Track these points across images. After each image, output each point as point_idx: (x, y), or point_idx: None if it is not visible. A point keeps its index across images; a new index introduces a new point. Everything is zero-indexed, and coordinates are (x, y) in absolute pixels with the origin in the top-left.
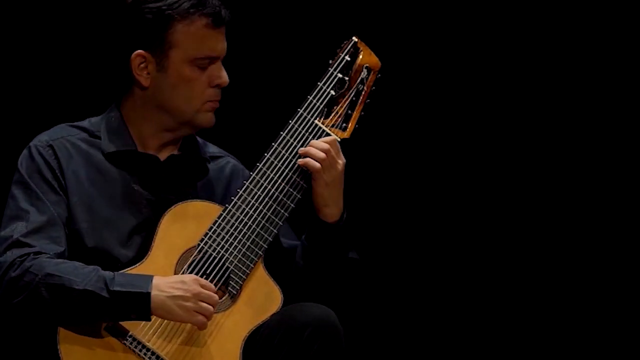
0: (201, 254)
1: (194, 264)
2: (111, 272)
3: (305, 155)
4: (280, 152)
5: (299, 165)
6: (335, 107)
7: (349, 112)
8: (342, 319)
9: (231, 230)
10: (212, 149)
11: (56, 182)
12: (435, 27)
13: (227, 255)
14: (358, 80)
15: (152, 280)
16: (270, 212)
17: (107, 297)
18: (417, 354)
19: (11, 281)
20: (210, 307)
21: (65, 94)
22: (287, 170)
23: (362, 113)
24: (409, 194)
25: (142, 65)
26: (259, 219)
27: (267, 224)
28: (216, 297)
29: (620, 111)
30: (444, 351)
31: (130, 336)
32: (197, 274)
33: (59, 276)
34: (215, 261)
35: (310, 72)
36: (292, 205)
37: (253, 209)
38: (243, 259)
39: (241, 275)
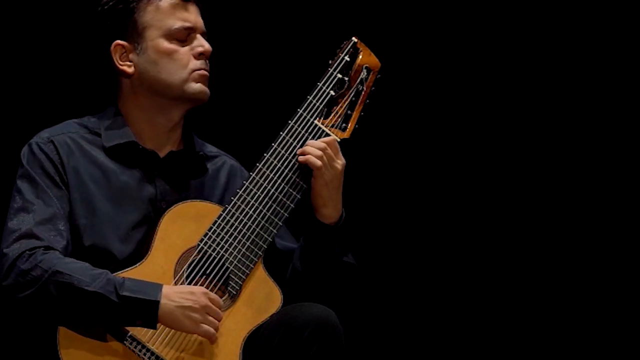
0: (201, 254)
1: (193, 264)
2: (121, 277)
3: (303, 155)
4: (279, 152)
5: (298, 165)
6: (334, 108)
7: (349, 112)
8: (342, 319)
9: (231, 231)
10: (210, 148)
11: (58, 176)
12: (435, 27)
13: (226, 255)
14: (358, 81)
15: (161, 289)
16: (270, 212)
17: (116, 302)
18: (417, 354)
19: (20, 274)
20: (217, 321)
21: (61, 96)
22: (286, 171)
23: (362, 113)
24: (409, 194)
25: (123, 55)
26: (258, 219)
27: (266, 224)
28: (222, 314)
29: (620, 111)
30: (443, 351)
31: (130, 337)
32: (196, 274)
33: (69, 275)
34: (215, 261)
35: (310, 72)
36: (291, 205)
37: (253, 209)
38: (243, 259)
39: (241, 275)
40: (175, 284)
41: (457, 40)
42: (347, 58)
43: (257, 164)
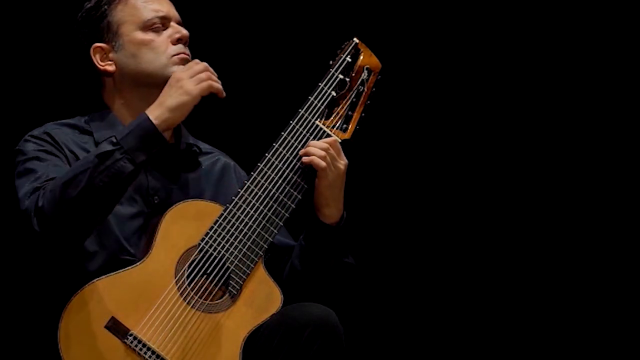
0: (202, 253)
1: (194, 263)
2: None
3: (306, 156)
4: (281, 152)
5: (299, 165)
6: (336, 108)
7: (350, 113)
8: (342, 319)
9: (232, 230)
10: (203, 145)
11: (62, 156)
12: (435, 28)
13: (227, 255)
14: (359, 82)
15: (146, 111)
16: (271, 212)
17: (117, 147)
18: (417, 354)
19: (40, 209)
20: (203, 73)
21: (50, 100)
22: (287, 171)
23: (363, 114)
24: (409, 195)
25: (103, 56)
26: (259, 219)
27: (267, 224)
28: (199, 65)
29: (620, 111)
30: (443, 351)
31: (131, 335)
32: (197, 273)
33: (72, 169)
34: (216, 261)
35: (311, 73)
36: (292, 205)
37: (254, 209)
38: (243, 258)
39: (241, 275)
40: (177, 283)
41: (458, 41)
42: (348, 59)
43: (259, 164)
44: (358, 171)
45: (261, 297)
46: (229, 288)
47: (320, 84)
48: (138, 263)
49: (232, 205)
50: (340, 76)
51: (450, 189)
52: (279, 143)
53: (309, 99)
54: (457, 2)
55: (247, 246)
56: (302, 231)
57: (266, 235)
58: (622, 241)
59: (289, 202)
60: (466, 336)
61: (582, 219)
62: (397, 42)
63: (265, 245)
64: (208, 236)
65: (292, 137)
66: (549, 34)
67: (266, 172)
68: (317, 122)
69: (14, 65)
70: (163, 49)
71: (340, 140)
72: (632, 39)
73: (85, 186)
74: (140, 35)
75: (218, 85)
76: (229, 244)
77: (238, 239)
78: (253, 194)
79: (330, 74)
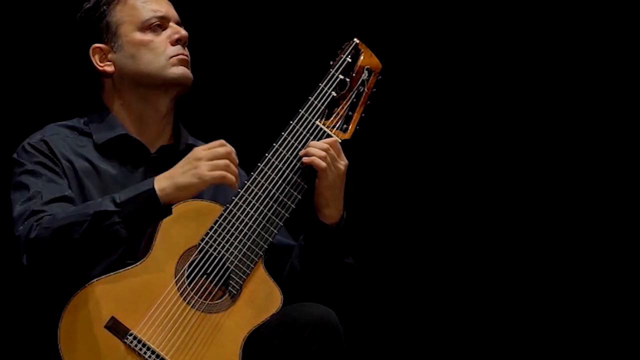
0: (202, 253)
1: (194, 263)
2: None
3: (307, 156)
4: (281, 152)
5: (300, 165)
6: (336, 109)
7: (350, 113)
8: (342, 319)
9: (232, 230)
10: (202, 145)
11: (58, 168)
12: (436, 29)
13: (227, 255)
14: (359, 82)
15: (153, 179)
16: (271, 212)
17: (117, 210)
18: (417, 354)
19: (31, 241)
20: (222, 161)
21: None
22: (287, 171)
23: (363, 115)
24: (409, 195)
25: (102, 57)
26: (259, 219)
27: (267, 224)
28: (223, 148)
29: (620, 111)
30: (443, 351)
31: (131, 335)
32: (197, 273)
33: (70, 215)
34: (216, 261)
35: (312, 73)
36: (292, 205)
37: (254, 209)
38: (243, 259)
39: (241, 275)
40: (176, 283)
41: (458, 42)
42: (348, 59)
43: (259, 164)
44: (358, 171)
45: (261, 297)
46: (229, 288)
47: (320, 84)
48: (138, 263)
49: (232, 205)
50: (341, 76)
51: (450, 189)
52: (279, 143)
53: (309, 99)
54: (457, 2)
55: (247, 246)
56: (302, 231)
57: (266, 236)
58: (622, 241)
59: (289, 202)
60: (466, 336)
61: (582, 219)
62: (398, 42)
63: (265, 245)
64: (208, 236)
65: (292, 137)
66: (549, 34)
67: (266, 172)
68: (317, 122)
69: (14, 65)
70: (162, 49)
71: (340, 141)
72: (632, 39)
73: (78, 239)
74: (139, 36)
75: (232, 178)
76: (229, 244)
77: (238, 239)
78: (253, 194)
79: (331, 74)
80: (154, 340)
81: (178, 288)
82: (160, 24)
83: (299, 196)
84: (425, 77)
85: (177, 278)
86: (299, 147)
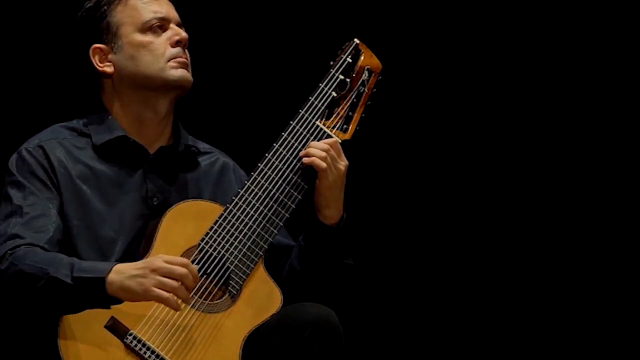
0: (202, 253)
1: (194, 263)
2: (82, 261)
3: (307, 157)
4: (281, 152)
5: (300, 166)
6: (336, 109)
7: (350, 113)
8: (342, 319)
9: (232, 230)
10: (202, 145)
11: (48, 180)
12: (436, 29)
13: (227, 255)
14: (359, 82)
15: (114, 266)
16: (271, 212)
17: (70, 284)
18: (417, 354)
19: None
20: (172, 281)
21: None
22: (287, 171)
23: (363, 115)
24: (409, 196)
25: (102, 57)
26: (259, 219)
27: (267, 224)
28: (181, 269)
29: (620, 111)
30: (443, 351)
31: (131, 334)
32: (197, 273)
33: (35, 264)
34: (216, 261)
35: (312, 73)
36: (292, 206)
37: (254, 209)
38: (243, 259)
39: (241, 275)
40: None
41: (459, 42)
42: (348, 59)
43: (259, 164)
44: (358, 172)
45: (261, 297)
46: (229, 288)
47: (320, 84)
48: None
49: (232, 205)
50: (341, 77)
51: (450, 189)
52: (279, 143)
53: (310, 100)
54: (457, 2)
55: (247, 246)
56: (302, 231)
57: (266, 236)
58: (622, 241)
59: (289, 203)
60: (466, 336)
61: (582, 219)
62: (398, 42)
63: (265, 245)
64: (208, 236)
65: (292, 138)
66: (549, 34)
67: (266, 172)
68: (317, 122)
69: (14, 66)
70: (161, 51)
71: (340, 141)
72: (632, 39)
73: (33, 292)
74: (139, 37)
75: (174, 303)
76: (228, 244)
77: (238, 239)
78: (253, 194)
79: (331, 74)
80: (154, 340)
81: None
82: (160, 25)
83: (299, 196)
84: (425, 78)
85: None
86: (299, 147)
